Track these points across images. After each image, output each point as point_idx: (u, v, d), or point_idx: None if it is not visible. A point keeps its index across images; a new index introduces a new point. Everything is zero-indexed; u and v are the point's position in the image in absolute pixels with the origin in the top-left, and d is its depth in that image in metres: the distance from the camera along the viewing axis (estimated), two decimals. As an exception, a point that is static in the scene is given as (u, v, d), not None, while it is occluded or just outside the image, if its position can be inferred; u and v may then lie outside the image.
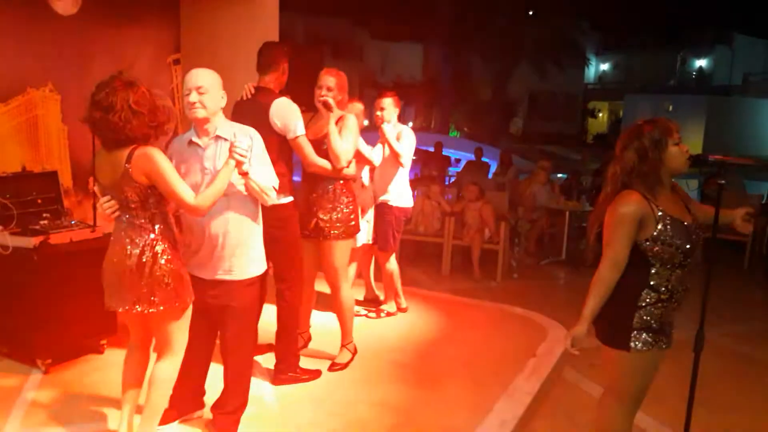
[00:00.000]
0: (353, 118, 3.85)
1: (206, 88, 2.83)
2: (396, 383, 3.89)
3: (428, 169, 11.65)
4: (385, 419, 3.44)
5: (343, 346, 4.11)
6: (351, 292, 4.14)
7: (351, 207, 3.92)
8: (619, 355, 2.59)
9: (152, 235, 2.72)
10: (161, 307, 2.72)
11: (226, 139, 2.87)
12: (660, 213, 2.50)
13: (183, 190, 2.68)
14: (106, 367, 3.86)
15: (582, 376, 4.29)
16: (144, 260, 2.70)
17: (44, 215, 3.93)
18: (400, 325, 4.99)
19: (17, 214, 3.85)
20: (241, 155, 2.75)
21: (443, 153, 12.73)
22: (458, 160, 13.90)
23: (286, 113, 3.57)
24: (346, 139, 3.76)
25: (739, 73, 29.25)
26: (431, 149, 12.65)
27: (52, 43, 4.47)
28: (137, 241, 2.72)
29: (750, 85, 27.14)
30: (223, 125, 2.93)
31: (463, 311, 5.39)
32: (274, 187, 2.99)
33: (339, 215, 3.86)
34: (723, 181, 2.61)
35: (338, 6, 24.75)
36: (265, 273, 3.30)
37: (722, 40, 31.19)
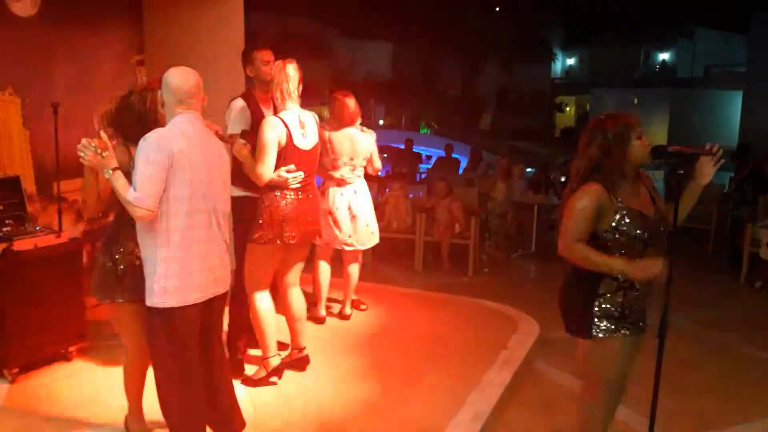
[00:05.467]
0: (262, 128, 3.46)
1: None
2: (369, 379, 3.91)
3: (399, 166, 11.66)
4: (359, 416, 3.45)
5: (263, 358, 3.74)
6: (263, 305, 3.63)
7: (258, 223, 3.52)
8: (585, 345, 2.64)
9: (106, 231, 2.97)
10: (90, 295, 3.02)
11: None
12: (619, 204, 2.54)
13: None
14: (75, 374, 3.79)
15: (553, 367, 4.35)
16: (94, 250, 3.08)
17: (7, 222, 3.86)
18: (372, 321, 5.00)
19: (-21, 221, 3.78)
20: (79, 152, 2.56)
21: (414, 150, 12.77)
22: (429, 157, 13.95)
23: (226, 113, 3.71)
24: (257, 154, 3.45)
25: (701, 65, 29.85)
26: (402, 146, 12.66)
27: (10, 46, 4.37)
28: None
29: (711, 77, 27.64)
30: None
31: (435, 306, 5.42)
32: (132, 201, 2.52)
33: (254, 223, 3.56)
34: (682, 171, 2.63)
35: (307, 4, 24.63)
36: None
37: (684, 33, 31.80)
